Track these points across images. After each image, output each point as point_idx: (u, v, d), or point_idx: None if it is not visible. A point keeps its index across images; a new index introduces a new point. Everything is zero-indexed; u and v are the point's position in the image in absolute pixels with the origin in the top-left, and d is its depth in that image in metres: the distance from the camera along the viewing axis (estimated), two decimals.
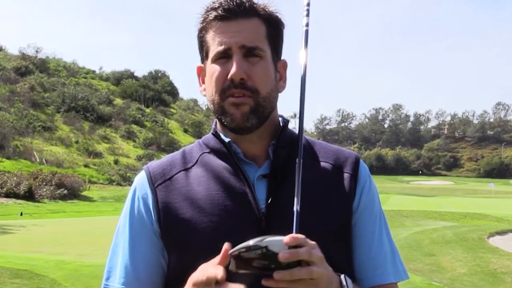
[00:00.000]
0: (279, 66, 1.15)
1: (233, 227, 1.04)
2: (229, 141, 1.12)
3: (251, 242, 0.84)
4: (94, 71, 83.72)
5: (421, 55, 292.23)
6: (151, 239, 1.11)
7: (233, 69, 1.04)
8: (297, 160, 0.98)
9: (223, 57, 1.07)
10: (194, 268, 1.07)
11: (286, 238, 0.84)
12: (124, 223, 1.15)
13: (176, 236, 1.08)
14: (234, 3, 1.07)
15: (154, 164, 1.19)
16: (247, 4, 1.09)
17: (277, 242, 0.84)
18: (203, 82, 1.16)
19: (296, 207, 0.93)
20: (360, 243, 1.12)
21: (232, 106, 1.07)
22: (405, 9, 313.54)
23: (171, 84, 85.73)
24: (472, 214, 26.71)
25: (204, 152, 1.16)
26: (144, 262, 1.11)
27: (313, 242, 0.88)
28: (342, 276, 0.96)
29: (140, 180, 1.16)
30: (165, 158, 1.20)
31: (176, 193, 1.11)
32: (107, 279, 1.12)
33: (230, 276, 0.89)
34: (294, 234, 0.85)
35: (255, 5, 1.10)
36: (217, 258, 0.87)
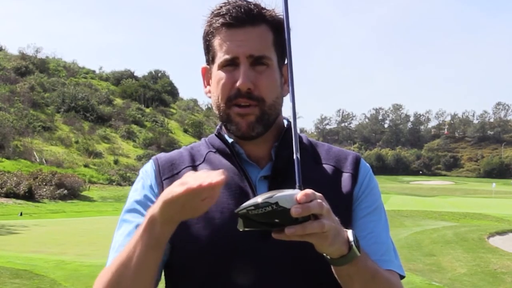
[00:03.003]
0: (284, 70, 1.15)
1: (234, 227, 1.05)
2: (232, 142, 1.14)
3: (259, 199, 0.82)
4: (94, 71, 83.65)
5: (421, 55, 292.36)
6: None
7: (240, 80, 1.05)
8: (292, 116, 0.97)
9: (230, 64, 1.07)
10: (192, 265, 1.07)
11: (298, 196, 0.83)
12: (129, 199, 1.15)
13: (176, 231, 1.09)
14: (242, 10, 1.07)
15: (163, 156, 1.20)
16: (255, 11, 1.08)
17: (288, 197, 0.83)
18: (208, 84, 1.17)
19: (296, 155, 0.92)
20: (359, 232, 1.10)
21: (237, 116, 1.08)
22: (406, 9, 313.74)
23: (171, 84, 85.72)
24: (472, 214, 26.73)
25: (210, 151, 1.18)
26: None
27: (320, 194, 0.87)
28: (350, 231, 0.95)
29: (149, 170, 1.18)
30: (174, 152, 1.21)
31: None
32: (111, 250, 1.12)
33: (237, 232, 0.89)
34: (305, 191, 0.84)
35: (263, 11, 1.09)
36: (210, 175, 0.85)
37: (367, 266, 0.99)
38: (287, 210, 0.82)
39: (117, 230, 1.13)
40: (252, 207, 0.83)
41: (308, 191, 0.85)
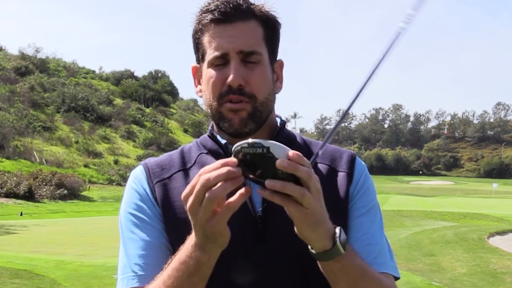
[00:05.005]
0: (276, 67, 1.14)
1: (230, 229, 1.04)
2: (225, 143, 1.13)
3: (255, 139, 0.82)
4: (94, 71, 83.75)
5: (421, 55, 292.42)
6: (157, 226, 1.10)
7: (231, 76, 1.03)
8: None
9: (220, 61, 1.06)
10: None
11: (290, 152, 0.82)
12: (127, 216, 1.12)
13: (174, 234, 1.08)
14: (231, 5, 1.05)
15: (152, 160, 1.18)
16: (244, 6, 1.06)
17: (281, 148, 0.82)
18: (199, 83, 1.15)
19: (319, 151, 0.92)
20: (353, 234, 1.10)
21: (230, 112, 1.06)
22: (406, 9, 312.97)
23: (171, 84, 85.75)
24: (472, 214, 26.73)
25: (202, 153, 1.16)
26: (155, 248, 1.08)
27: (316, 176, 0.86)
28: (339, 228, 0.92)
29: (138, 175, 1.15)
30: (164, 156, 1.19)
31: (175, 192, 1.11)
32: (122, 273, 1.09)
33: None
34: (300, 154, 0.83)
35: (252, 7, 1.08)
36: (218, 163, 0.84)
37: (354, 264, 0.97)
38: (274, 159, 0.81)
39: (125, 249, 1.10)
40: (246, 145, 0.81)
41: (306, 160, 0.83)
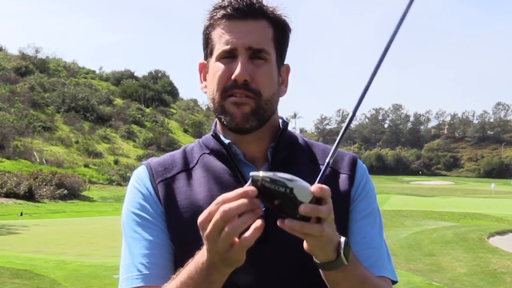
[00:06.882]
0: (282, 70, 1.15)
1: None
2: (229, 143, 1.12)
3: (278, 176, 0.80)
4: (94, 71, 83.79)
5: (421, 54, 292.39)
6: (160, 225, 1.09)
7: (237, 70, 1.04)
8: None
9: (228, 56, 1.07)
10: None
11: (313, 187, 0.82)
12: (130, 216, 1.11)
13: (176, 234, 1.08)
14: (244, 3, 1.07)
15: (154, 160, 1.18)
16: (256, 5, 1.08)
17: (304, 189, 0.81)
18: (205, 79, 1.15)
19: (328, 159, 0.92)
20: (353, 237, 1.11)
21: (233, 105, 1.06)
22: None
23: (171, 84, 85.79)
24: (472, 214, 26.72)
25: (204, 153, 1.16)
26: (159, 247, 1.08)
27: (330, 200, 0.86)
28: (343, 238, 0.93)
29: (141, 174, 1.15)
30: (166, 156, 1.19)
31: (177, 192, 1.11)
32: (126, 272, 1.08)
33: None
34: (322, 185, 0.83)
35: (264, 7, 1.09)
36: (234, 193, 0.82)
37: (355, 274, 0.97)
38: (297, 202, 0.81)
39: (128, 248, 1.09)
40: (268, 179, 0.80)
41: (325, 187, 0.83)
